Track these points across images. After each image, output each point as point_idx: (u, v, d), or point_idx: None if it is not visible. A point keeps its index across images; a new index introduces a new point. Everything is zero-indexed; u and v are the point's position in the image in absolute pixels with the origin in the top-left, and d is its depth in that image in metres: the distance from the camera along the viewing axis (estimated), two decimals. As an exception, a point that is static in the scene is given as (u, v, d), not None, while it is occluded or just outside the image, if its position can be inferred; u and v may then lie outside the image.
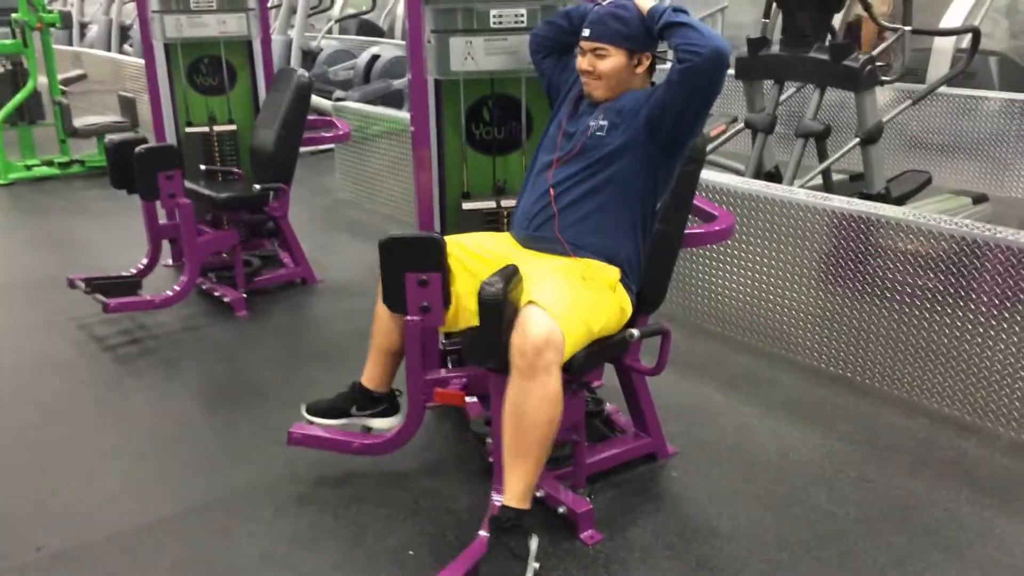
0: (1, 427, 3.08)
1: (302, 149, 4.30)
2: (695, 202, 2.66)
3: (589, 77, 2.49)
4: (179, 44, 4.48)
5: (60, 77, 7.25)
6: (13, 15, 6.72)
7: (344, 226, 5.63)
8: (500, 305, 2.12)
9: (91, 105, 8.95)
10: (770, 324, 3.56)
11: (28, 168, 6.85)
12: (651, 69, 2.53)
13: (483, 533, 2.23)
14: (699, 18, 2.35)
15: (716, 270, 3.73)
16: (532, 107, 3.00)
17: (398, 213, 5.63)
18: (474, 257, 2.48)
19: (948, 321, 3.00)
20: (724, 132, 5.41)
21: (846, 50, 4.56)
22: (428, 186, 3.01)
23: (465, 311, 2.44)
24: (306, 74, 4.20)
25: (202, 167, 4.48)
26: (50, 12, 6.93)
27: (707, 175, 3.60)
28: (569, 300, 2.22)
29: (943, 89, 5.75)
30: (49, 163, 6.89)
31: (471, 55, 2.86)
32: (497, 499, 2.28)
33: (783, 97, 5.12)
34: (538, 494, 2.47)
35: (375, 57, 8.78)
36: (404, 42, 8.46)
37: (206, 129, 4.57)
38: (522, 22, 2.83)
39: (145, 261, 4.13)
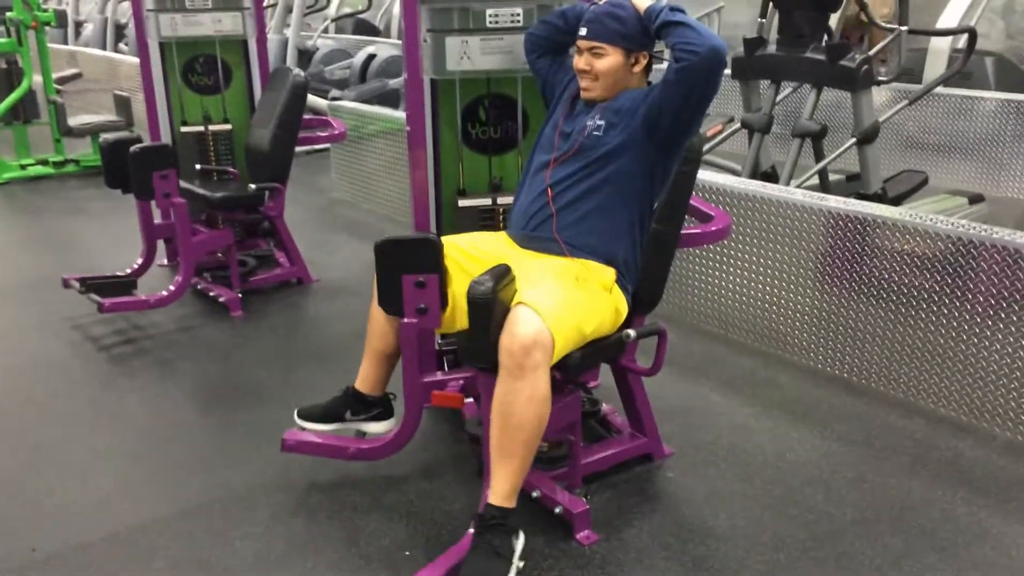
0: (-5, 428, 3.08)
1: (298, 148, 4.30)
2: (692, 202, 2.66)
3: (586, 76, 2.48)
4: (174, 43, 4.47)
5: (55, 76, 7.24)
6: (8, 13, 6.71)
7: (340, 226, 5.62)
8: (489, 304, 2.12)
9: (86, 104, 8.93)
10: (767, 324, 3.56)
11: (23, 167, 6.83)
12: (648, 69, 2.53)
13: (472, 531, 2.23)
14: (695, 18, 2.34)
15: (713, 270, 3.72)
16: (528, 107, 3.00)
17: (394, 213, 5.63)
18: (470, 258, 2.47)
19: (944, 321, 3.00)
20: (721, 132, 5.41)
21: (842, 50, 4.56)
22: (424, 185, 3.00)
23: (462, 312, 2.43)
24: (302, 73, 4.19)
25: (197, 166, 4.48)
26: (45, 11, 6.91)
27: (704, 175, 3.59)
28: (560, 301, 2.21)
29: (939, 89, 5.75)
30: (44, 162, 6.88)
31: (467, 54, 2.86)
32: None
33: (779, 97, 5.12)
34: (534, 495, 2.47)
35: (371, 56, 8.77)
36: (400, 41, 8.45)
37: (201, 128, 4.56)
38: (518, 22, 2.82)
39: (140, 261, 4.12)
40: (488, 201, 3.02)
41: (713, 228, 2.76)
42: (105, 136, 4.14)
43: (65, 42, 12.56)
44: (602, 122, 2.46)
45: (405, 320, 2.42)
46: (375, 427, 2.68)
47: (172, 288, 3.93)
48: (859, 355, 3.26)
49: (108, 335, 3.82)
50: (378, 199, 5.83)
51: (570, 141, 2.50)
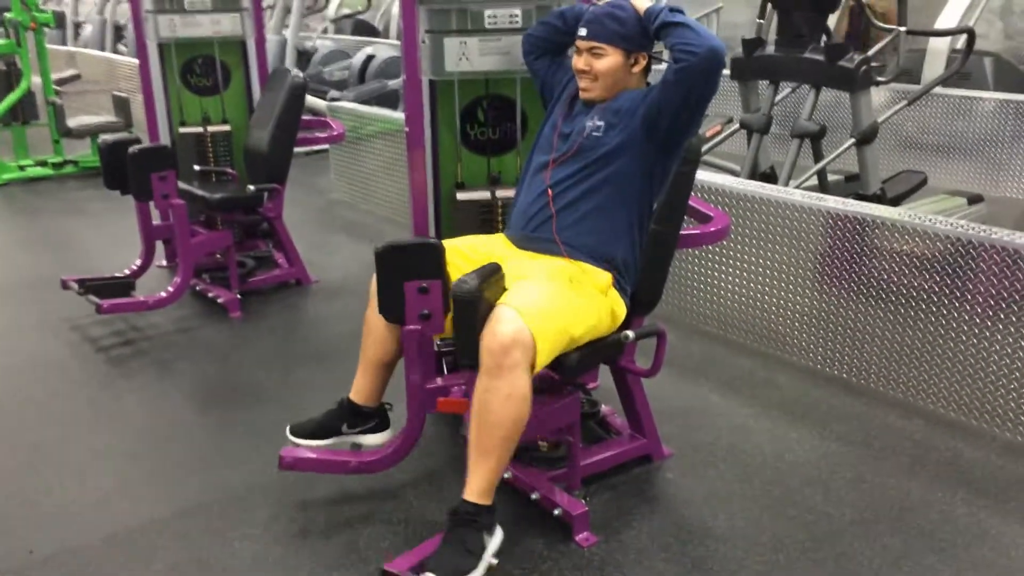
0: (-7, 429, 3.07)
1: (296, 149, 4.29)
2: (691, 203, 2.65)
3: (585, 77, 2.48)
4: (173, 44, 4.47)
5: (54, 77, 7.23)
6: (6, 15, 6.71)
7: (339, 227, 5.62)
8: (474, 303, 2.12)
9: (85, 105, 8.92)
10: (766, 325, 3.56)
11: (21, 168, 6.82)
12: (647, 69, 2.52)
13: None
14: (694, 18, 2.34)
15: (712, 271, 3.72)
16: (527, 107, 3.00)
17: (393, 214, 5.62)
18: (469, 261, 2.46)
19: (944, 322, 3.00)
20: (720, 133, 5.42)
21: (841, 50, 4.56)
22: (423, 186, 3.00)
23: None
24: (300, 74, 4.19)
25: (196, 167, 4.47)
26: (44, 12, 6.91)
27: (703, 176, 3.59)
28: (546, 302, 2.21)
29: (938, 90, 5.76)
30: (43, 163, 6.88)
31: (466, 55, 2.85)
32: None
33: (778, 98, 5.12)
34: (533, 496, 2.47)
35: (370, 57, 8.77)
36: (399, 42, 8.45)
37: (200, 129, 4.56)
38: (517, 23, 2.82)
39: (139, 262, 4.12)
40: (487, 195, 3.01)
41: (712, 229, 2.76)
42: (104, 137, 4.14)
43: (64, 43, 12.56)
44: (601, 123, 2.45)
45: (408, 327, 2.37)
46: (372, 439, 2.61)
47: (171, 289, 3.93)
48: (858, 355, 3.26)
49: (107, 336, 3.82)
50: (377, 200, 5.83)
51: (569, 142, 2.50)
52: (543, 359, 2.16)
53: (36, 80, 6.88)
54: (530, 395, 2.15)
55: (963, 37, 5.36)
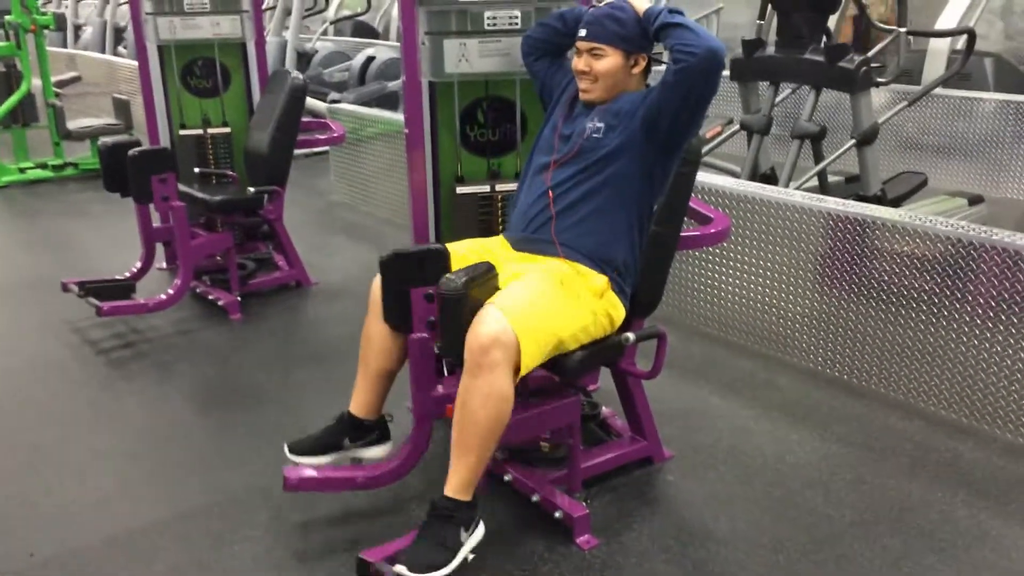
0: (-6, 431, 3.07)
1: (296, 151, 4.29)
2: (691, 204, 2.65)
3: (585, 78, 2.48)
4: (173, 46, 4.47)
5: (54, 79, 7.24)
6: (6, 17, 6.71)
7: (339, 228, 5.62)
8: (459, 300, 2.12)
9: (85, 107, 8.93)
10: (766, 327, 3.55)
11: (22, 171, 6.83)
12: (647, 71, 2.52)
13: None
14: (694, 19, 2.34)
15: (712, 272, 3.72)
16: (527, 109, 2.99)
17: (393, 215, 5.62)
18: (468, 264, 2.46)
19: (944, 323, 2.99)
20: (720, 134, 5.41)
21: (841, 51, 4.56)
22: (423, 188, 3.00)
23: None
24: (300, 76, 4.19)
25: (196, 170, 4.47)
26: (44, 14, 6.92)
27: (703, 177, 3.59)
28: (533, 303, 2.21)
29: (938, 91, 5.76)
30: (43, 166, 6.88)
31: (465, 57, 2.85)
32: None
33: (779, 99, 5.12)
34: (533, 499, 2.47)
35: (370, 59, 8.77)
36: (399, 44, 8.44)
37: (200, 132, 4.56)
38: (516, 24, 2.82)
39: (139, 264, 4.12)
40: (487, 188, 3.01)
41: (712, 230, 2.76)
42: (104, 139, 4.14)
43: (64, 45, 12.56)
44: (601, 124, 2.45)
45: (415, 335, 2.34)
46: (373, 452, 2.58)
47: (171, 291, 3.93)
48: (859, 357, 3.26)
49: (107, 338, 3.82)
50: (377, 201, 5.83)
51: (570, 143, 2.50)
52: (529, 360, 2.16)
53: (36, 82, 6.88)
54: (511, 395, 2.15)
55: (963, 38, 5.36)
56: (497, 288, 2.27)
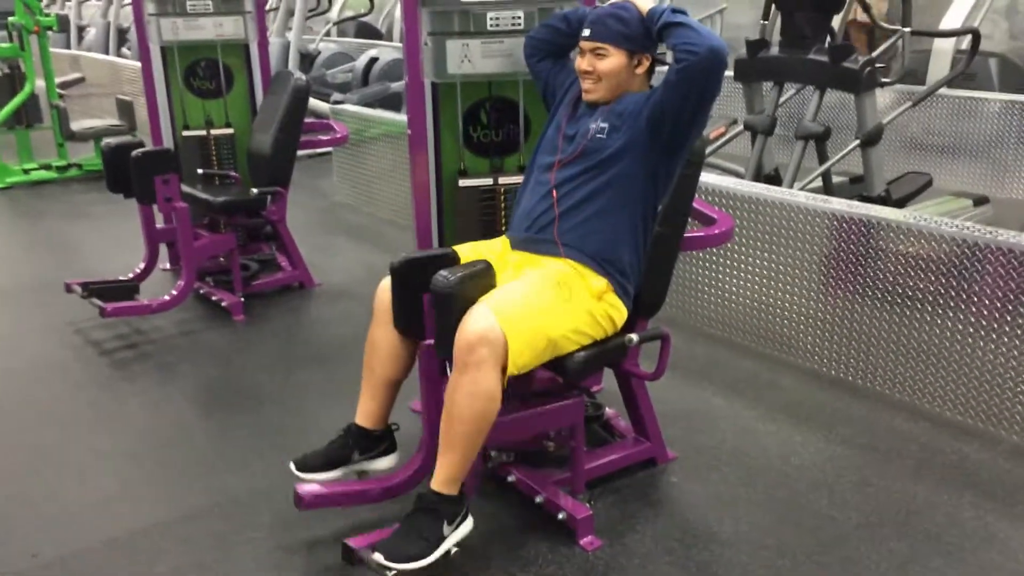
0: (-4, 432, 3.07)
1: (299, 152, 4.29)
2: (694, 205, 2.64)
3: (588, 78, 2.47)
4: (176, 47, 4.47)
5: (57, 80, 7.24)
6: (10, 19, 6.71)
7: (342, 229, 5.62)
8: (450, 297, 2.13)
9: (88, 108, 8.95)
10: (770, 327, 3.54)
11: (26, 172, 6.84)
12: (650, 72, 2.51)
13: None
14: (698, 19, 2.33)
15: (716, 273, 3.71)
16: (530, 110, 2.98)
17: (396, 216, 5.62)
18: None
19: (949, 324, 2.98)
20: (723, 134, 5.39)
21: (845, 52, 4.55)
22: (426, 189, 2.99)
23: None
24: (303, 77, 4.19)
25: (199, 171, 4.47)
26: (47, 15, 6.93)
27: (706, 178, 3.58)
28: (524, 303, 2.21)
29: (943, 91, 5.73)
30: (47, 167, 6.89)
31: (468, 58, 2.84)
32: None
33: (783, 99, 5.10)
34: (537, 500, 2.46)
35: (373, 60, 8.77)
36: (402, 45, 8.44)
37: (203, 133, 4.56)
38: (519, 25, 2.81)
39: (142, 265, 4.12)
40: (489, 181, 3.00)
41: (716, 231, 2.75)
42: (107, 140, 4.14)
43: (68, 47, 12.59)
44: (605, 124, 2.45)
45: (427, 341, 2.32)
46: (381, 464, 2.54)
47: (174, 292, 3.93)
48: (863, 358, 3.24)
49: (110, 339, 3.82)
50: (380, 202, 5.82)
51: (574, 144, 2.49)
52: (517, 359, 2.15)
53: (40, 84, 6.90)
54: (498, 394, 2.15)
55: (968, 38, 5.34)
56: (492, 287, 2.27)
